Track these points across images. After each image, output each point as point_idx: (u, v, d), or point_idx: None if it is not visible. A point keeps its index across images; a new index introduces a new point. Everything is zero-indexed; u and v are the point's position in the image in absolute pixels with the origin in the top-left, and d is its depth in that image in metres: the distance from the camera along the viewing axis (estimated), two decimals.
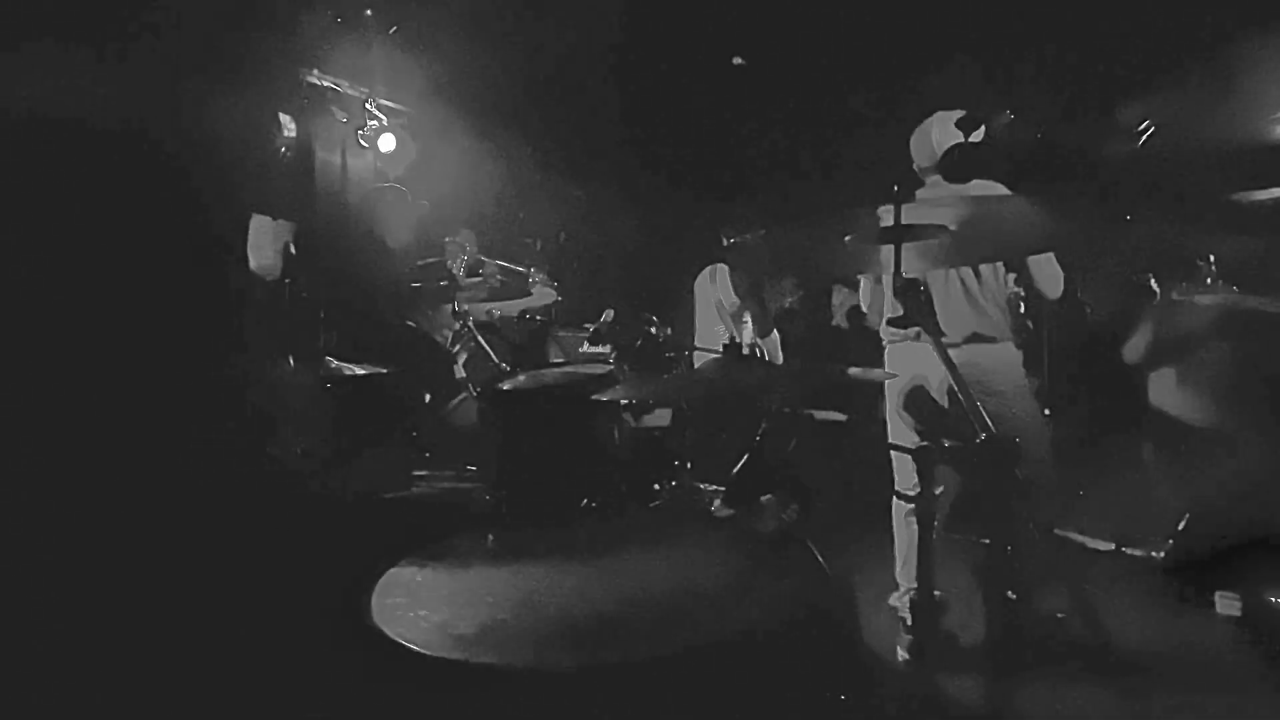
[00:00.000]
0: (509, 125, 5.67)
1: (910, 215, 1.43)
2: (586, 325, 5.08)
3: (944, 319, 2.91)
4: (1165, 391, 3.86)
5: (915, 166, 3.13)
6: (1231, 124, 4.83)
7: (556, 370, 3.50)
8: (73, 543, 1.82)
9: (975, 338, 2.96)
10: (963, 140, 2.95)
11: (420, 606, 1.35)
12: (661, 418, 3.14)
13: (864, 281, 3.34)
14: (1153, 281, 4.40)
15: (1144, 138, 5.07)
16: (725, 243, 4.72)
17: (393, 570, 1.52)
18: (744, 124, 6.36)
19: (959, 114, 2.99)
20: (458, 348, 4.31)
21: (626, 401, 2.88)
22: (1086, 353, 4.89)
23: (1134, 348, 3.99)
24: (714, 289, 4.86)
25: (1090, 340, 4.94)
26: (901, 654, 2.77)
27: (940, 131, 3.02)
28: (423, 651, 1.18)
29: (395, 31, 4.90)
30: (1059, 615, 2.87)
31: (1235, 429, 3.58)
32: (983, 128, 2.97)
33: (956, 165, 2.94)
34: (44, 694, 1.72)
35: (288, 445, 2.79)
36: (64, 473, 1.85)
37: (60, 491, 1.83)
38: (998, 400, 2.76)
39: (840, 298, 6.93)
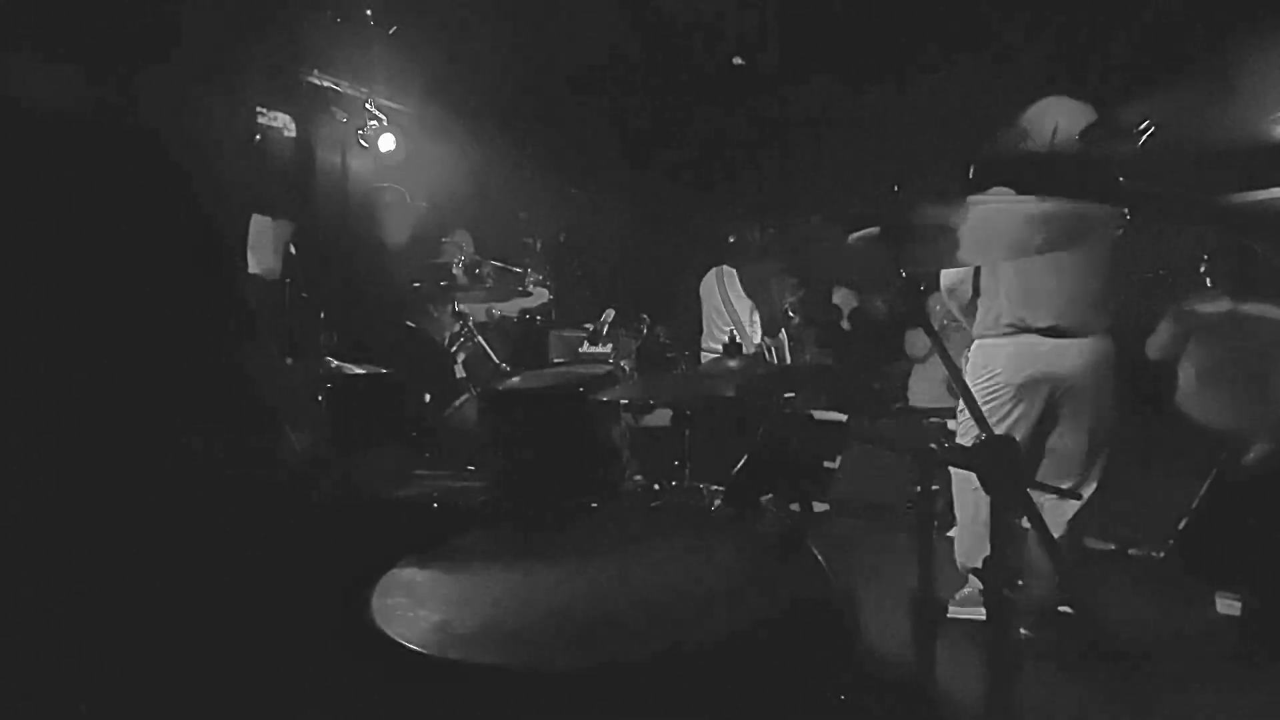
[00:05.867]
0: (509, 125, 5.67)
1: (913, 215, 1.43)
2: (586, 325, 5.08)
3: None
4: (1186, 391, 3.84)
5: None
6: (1231, 124, 4.83)
7: (556, 370, 3.49)
8: (70, 543, 1.82)
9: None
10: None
11: (420, 606, 1.35)
12: (661, 418, 3.13)
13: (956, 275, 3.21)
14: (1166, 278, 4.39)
15: (1144, 138, 5.07)
16: (729, 241, 4.73)
17: (393, 570, 1.51)
18: (744, 124, 6.36)
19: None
20: (457, 348, 4.31)
21: (626, 401, 2.88)
22: None
23: (1155, 344, 3.97)
24: (721, 289, 4.87)
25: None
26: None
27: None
28: (423, 651, 1.18)
29: (395, 31, 4.90)
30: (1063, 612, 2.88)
31: (1250, 431, 3.57)
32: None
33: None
34: (44, 694, 1.72)
35: (287, 445, 2.78)
36: (61, 474, 1.84)
37: (58, 492, 1.83)
38: None
39: (840, 297, 6.92)
